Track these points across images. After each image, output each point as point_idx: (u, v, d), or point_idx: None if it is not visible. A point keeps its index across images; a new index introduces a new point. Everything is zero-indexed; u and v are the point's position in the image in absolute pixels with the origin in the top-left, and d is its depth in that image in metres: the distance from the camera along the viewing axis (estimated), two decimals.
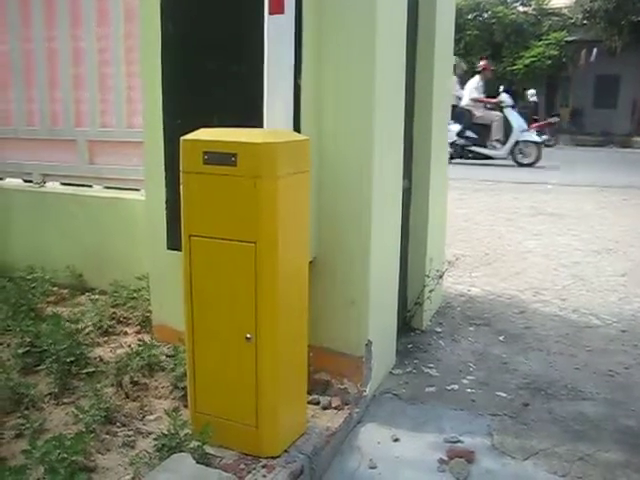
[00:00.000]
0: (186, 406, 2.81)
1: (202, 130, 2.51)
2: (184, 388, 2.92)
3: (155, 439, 2.57)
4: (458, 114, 13.25)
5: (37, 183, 4.84)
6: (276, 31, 2.69)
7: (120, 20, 4.26)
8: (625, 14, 22.12)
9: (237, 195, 2.38)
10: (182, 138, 2.48)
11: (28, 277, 4.31)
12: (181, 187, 2.51)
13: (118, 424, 2.80)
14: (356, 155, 3.03)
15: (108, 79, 4.43)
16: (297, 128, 2.83)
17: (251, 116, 2.80)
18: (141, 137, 3.63)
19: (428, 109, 3.99)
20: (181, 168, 2.49)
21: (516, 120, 13.75)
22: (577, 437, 2.98)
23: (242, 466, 2.50)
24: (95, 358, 3.40)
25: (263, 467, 2.50)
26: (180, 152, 2.49)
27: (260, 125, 2.55)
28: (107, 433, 2.72)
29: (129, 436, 2.71)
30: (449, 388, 3.46)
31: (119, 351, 3.50)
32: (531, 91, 19.27)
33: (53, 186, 4.85)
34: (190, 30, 3.11)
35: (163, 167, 3.28)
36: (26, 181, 4.96)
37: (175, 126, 3.05)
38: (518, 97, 27.00)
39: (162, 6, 3.14)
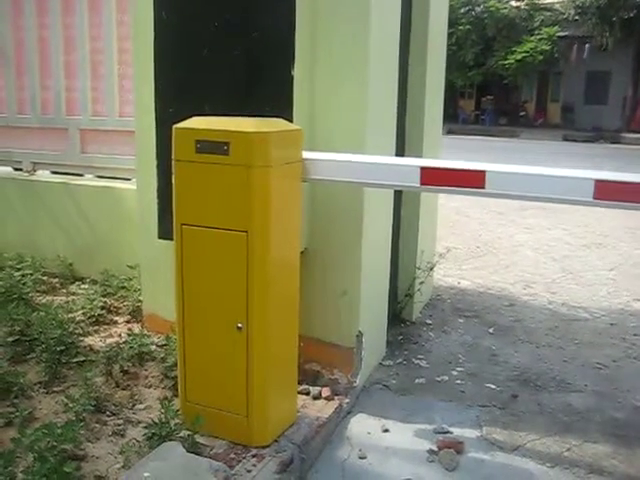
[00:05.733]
0: (176, 395, 2.81)
1: (194, 118, 2.50)
2: (174, 377, 2.92)
3: (145, 428, 2.57)
4: None
5: (27, 171, 4.81)
6: None
7: (112, 8, 4.23)
8: (616, 11, 22.21)
9: (229, 184, 2.38)
10: (174, 126, 2.47)
11: (18, 266, 4.29)
12: (173, 176, 2.50)
13: (108, 413, 2.80)
14: (349, 146, 3.02)
15: (100, 67, 4.41)
16: (290, 118, 2.82)
17: (245, 105, 2.79)
18: (133, 126, 3.61)
19: (421, 103, 3.99)
20: (173, 157, 2.48)
21: None
22: (565, 428, 3.00)
23: (232, 455, 2.50)
24: (85, 347, 3.39)
25: (253, 456, 2.50)
26: (172, 140, 2.48)
27: (253, 114, 2.54)
28: (97, 422, 2.72)
29: (119, 425, 2.71)
30: (439, 379, 3.47)
31: (109, 340, 3.49)
32: None
33: (43, 175, 4.82)
34: (183, 17, 3.09)
35: (155, 156, 3.27)
36: (16, 169, 4.93)
37: (167, 114, 3.04)
38: (510, 92, 27.17)
39: None
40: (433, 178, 2.53)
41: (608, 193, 2.28)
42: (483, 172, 2.42)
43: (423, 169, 2.53)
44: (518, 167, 2.45)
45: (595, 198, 2.28)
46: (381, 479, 2.62)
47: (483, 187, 2.44)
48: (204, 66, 3.06)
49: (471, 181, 2.46)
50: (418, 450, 2.81)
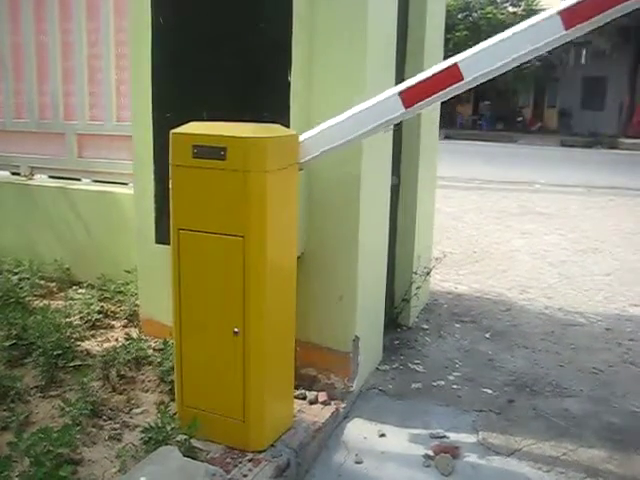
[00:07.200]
0: (173, 400, 2.81)
1: (192, 124, 2.51)
2: (171, 382, 2.92)
3: (142, 432, 2.57)
4: None
5: (25, 176, 4.82)
6: None
7: (110, 14, 4.24)
8: None
9: (226, 189, 2.39)
10: (172, 131, 2.48)
11: (15, 270, 4.29)
12: (170, 181, 2.51)
13: (104, 417, 2.80)
14: (345, 151, 3.03)
15: (97, 72, 4.42)
16: (286, 123, 2.83)
17: (242, 110, 2.80)
18: (130, 131, 3.62)
19: None
20: (170, 161, 2.49)
21: None
22: (561, 433, 3.00)
23: (228, 460, 2.50)
24: (82, 351, 3.38)
25: (249, 461, 2.51)
26: (169, 146, 2.48)
27: (250, 119, 2.55)
28: (93, 426, 2.71)
29: (115, 429, 2.71)
30: (435, 384, 3.48)
31: (106, 345, 3.49)
32: None
33: (41, 179, 4.82)
34: (181, 23, 3.10)
35: (152, 161, 3.27)
36: (14, 174, 4.93)
37: (164, 119, 3.05)
38: (507, 97, 27.19)
39: None
40: (414, 96, 2.51)
41: (575, 17, 2.27)
42: (455, 65, 2.41)
43: (402, 92, 2.52)
44: (483, 43, 2.42)
45: (567, 28, 2.28)
46: None
47: (462, 79, 2.42)
48: (201, 71, 3.07)
49: (449, 79, 2.44)
50: (414, 455, 2.81)
